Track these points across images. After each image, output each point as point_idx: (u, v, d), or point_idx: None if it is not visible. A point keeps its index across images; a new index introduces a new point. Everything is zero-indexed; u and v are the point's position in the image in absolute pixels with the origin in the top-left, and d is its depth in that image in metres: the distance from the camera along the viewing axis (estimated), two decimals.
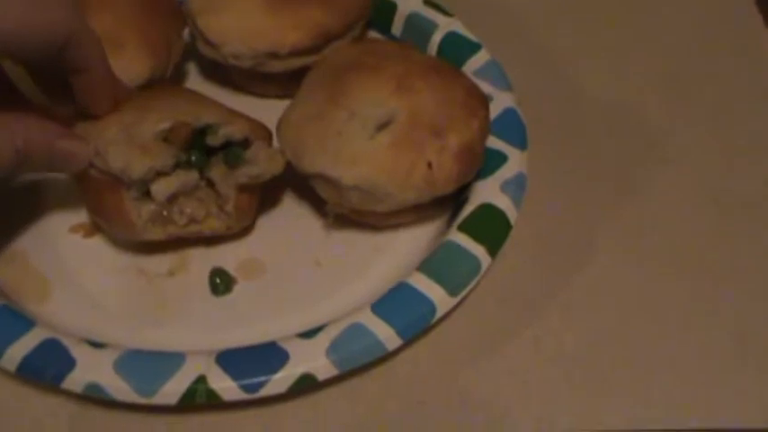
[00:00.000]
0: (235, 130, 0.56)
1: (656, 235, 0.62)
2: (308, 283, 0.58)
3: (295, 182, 0.60)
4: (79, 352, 0.51)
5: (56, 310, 0.56)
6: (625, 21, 0.78)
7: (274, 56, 0.64)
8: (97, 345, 0.52)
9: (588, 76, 0.72)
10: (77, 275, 0.58)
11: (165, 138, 0.55)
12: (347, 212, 0.58)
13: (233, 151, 0.56)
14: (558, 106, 0.70)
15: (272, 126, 0.60)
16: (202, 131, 0.56)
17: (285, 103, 0.62)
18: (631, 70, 0.73)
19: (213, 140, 0.56)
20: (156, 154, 0.54)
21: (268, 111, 0.62)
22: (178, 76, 0.70)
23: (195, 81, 0.72)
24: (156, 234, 0.57)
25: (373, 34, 0.73)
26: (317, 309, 0.56)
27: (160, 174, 0.55)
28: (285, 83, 0.67)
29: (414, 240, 0.60)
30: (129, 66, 0.62)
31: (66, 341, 0.51)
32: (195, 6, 0.66)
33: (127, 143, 0.54)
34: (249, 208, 0.58)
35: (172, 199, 0.56)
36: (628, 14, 0.79)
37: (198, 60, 0.72)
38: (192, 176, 0.56)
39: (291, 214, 0.62)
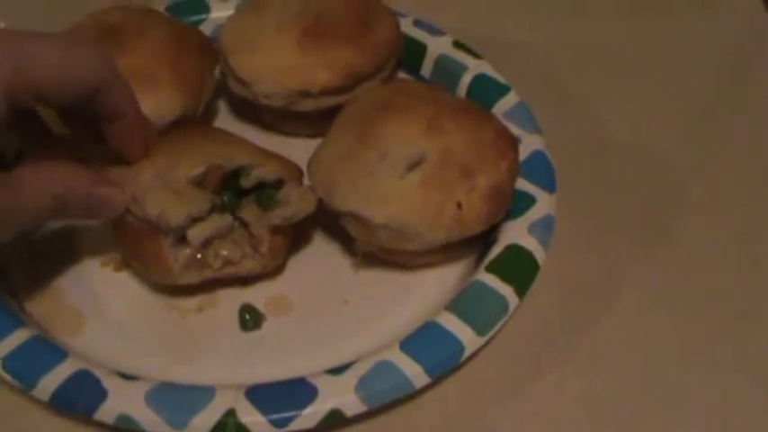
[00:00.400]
0: (267, 172, 0.57)
1: (684, 278, 0.62)
2: (335, 320, 0.59)
3: (324, 219, 0.61)
4: (111, 383, 0.51)
5: (88, 342, 0.57)
6: (652, 65, 0.79)
7: (305, 95, 0.65)
8: (128, 377, 0.52)
9: (615, 119, 0.73)
10: (109, 309, 0.59)
11: (199, 182, 0.56)
12: (376, 251, 0.59)
13: (266, 193, 0.57)
14: (585, 149, 0.70)
15: (302, 165, 0.61)
16: (235, 173, 0.56)
17: (316, 142, 0.63)
18: (658, 114, 0.74)
19: (246, 182, 0.56)
20: (192, 200, 0.55)
21: (298, 149, 0.63)
22: (209, 114, 0.71)
23: (225, 119, 0.73)
24: (192, 278, 0.57)
25: (403, 75, 0.74)
26: (345, 346, 0.56)
27: (195, 219, 0.56)
28: (316, 122, 0.68)
29: (442, 280, 0.60)
30: (162, 102, 0.63)
31: (98, 372, 0.52)
32: (227, 44, 0.68)
33: (162, 189, 0.55)
34: (282, 248, 0.59)
35: (207, 243, 0.57)
36: (655, 59, 0.79)
37: (228, 98, 0.73)
38: (226, 219, 0.57)
39: (320, 252, 0.62)
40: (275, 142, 0.69)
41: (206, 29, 0.75)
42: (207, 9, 0.77)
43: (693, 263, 0.63)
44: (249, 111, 0.71)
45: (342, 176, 0.57)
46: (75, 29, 0.67)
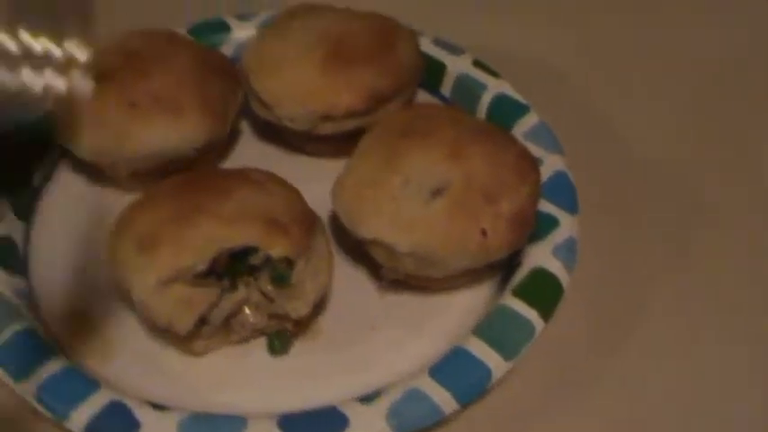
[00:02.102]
0: (276, 251, 0.55)
1: (710, 298, 0.62)
2: (363, 346, 0.59)
3: (349, 245, 0.61)
4: (143, 414, 0.52)
5: (119, 371, 0.58)
6: (673, 83, 0.79)
7: (328, 118, 0.66)
8: (160, 407, 0.53)
9: (637, 138, 0.74)
10: (139, 337, 0.60)
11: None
12: (402, 277, 0.59)
13: (278, 272, 0.56)
14: (607, 169, 0.71)
15: (322, 185, 0.61)
16: (244, 251, 0.55)
17: (337, 162, 0.63)
18: (680, 133, 0.75)
19: (255, 260, 0.56)
20: (198, 303, 0.55)
21: (319, 170, 0.65)
22: (232, 136, 0.71)
23: (248, 140, 0.73)
24: (220, 345, 0.58)
25: (423, 94, 0.74)
26: (373, 371, 0.57)
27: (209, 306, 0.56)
28: (337, 143, 0.68)
29: (466, 303, 0.61)
30: (189, 129, 0.64)
31: (130, 403, 0.52)
32: (250, 67, 0.68)
33: (167, 297, 0.54)
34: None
35: (228, 317, 0.57)
36: (676, 77, 0.80)
37: (250, 118, 0.73)
38: (240, 294, 0.57)
39: (346, 277, 0.62)
40: (297, 163, 0.70)
41: (227, 50, 0.75)
42: (228, 30, 0.77)
43: (719, 282, 0.63)
44: (271, 131, 0.72)
45: (366, 203, 0.58)
46: (97, 52, 0.67)
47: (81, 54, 0.46)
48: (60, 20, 0.46)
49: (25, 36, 0.45)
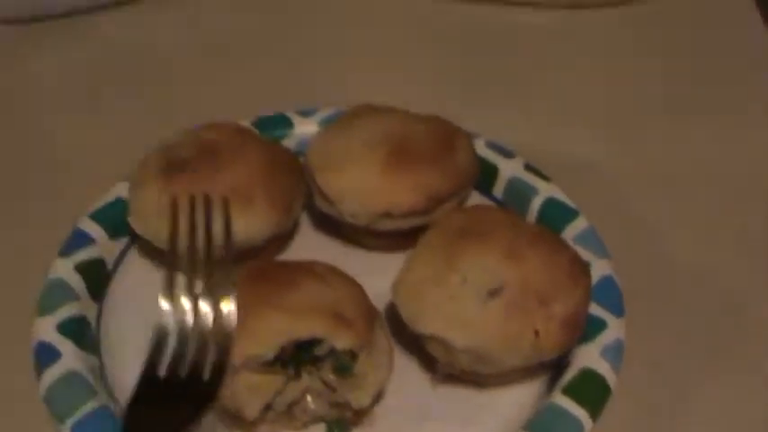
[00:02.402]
0: (341, 343, 0.58)
1: (754, 402, 0.65)
2: None
3: (404, 337, 0.65)
4: None
5: None
6: (719, 191, 0.82)
7: (388, 215, 0.69)
8: None
9: (680, 242, 0.77)
10: (204, 420, 0.61)
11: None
12: (456, 372, 0.62)
13: (341, 363, 0.59)
14: (651, 272, 0.74)
15: (378, 279, 0.64)
16: (309, 342, 0.58)
17: (393, 256, 0.67)
18: (722, 237, 0.77)
19: (319, 351, 0.59)
20: (266, 390, 0.58)
21: (376, 263, 0.68)
22: (293, 227, 0.75)
23: (307, 231, 0.77)
24: (282, 430, 0.61)
25: (475, 195, 0.77)
26: None
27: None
28: (393, 239, 0.71)
29: (516, 399, 0.63)
30: (258, 220, 0.67)
31: None
32: (315, 163, 0.72)
33: (236, 383, 0.57)
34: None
35: (291, 404, 0.60)
36: (724, 184, 0.83)
37: (310, 210, 0.76)
38: (304, 382, 0.59)
39: (400, 368, 0.64)
40: (354, 256, 0.73)
41: (289, 143, 0.79)
42: (291, 125, 0.81)
43: (764, 385, 0.65)
44: (329, 223, 0.75)
45: (426, 300, 0.61)
46: (173, 144, 0.72)
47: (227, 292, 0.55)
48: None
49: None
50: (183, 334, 0.54)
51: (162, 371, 0.52)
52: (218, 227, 0.59)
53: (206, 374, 0.52)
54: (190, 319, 0.55)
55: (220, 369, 0.52)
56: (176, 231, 0.59)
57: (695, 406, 0.64)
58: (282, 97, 0.90)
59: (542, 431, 0.58)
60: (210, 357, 0.53)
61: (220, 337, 0.53)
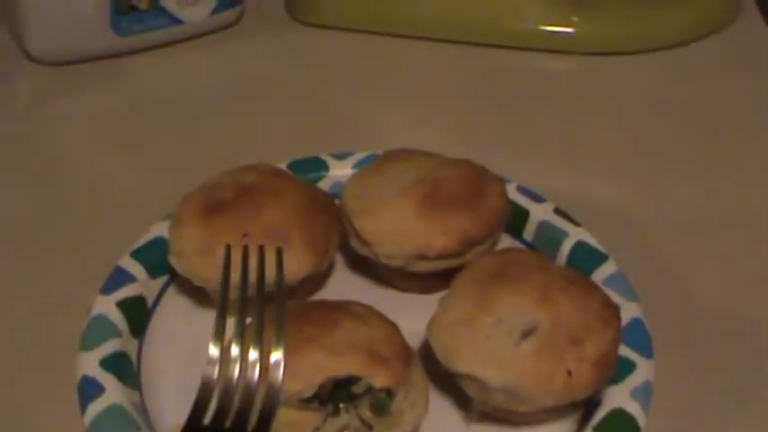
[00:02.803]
0: (378, 382, 0.59)
1: None
2: None
3: (438, 376, 0.66)
4: None
5: None
6: (742, 233, 0.84)
7: (422, 257, 0.71)
8: None
9: (707, 286, 0.78)
10: None
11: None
12: (490, 410, 0.64)
13: (379, 401, 0.60)
14: (679, 315, 0.75)
15: (411, 319, 0.66)
16: (347, 380, 0.60)
17: (425, 297, 0.69)
18: (750, 281, 0.78)
19: (357, 389, 0.60)
20: (305, 426, 0.59)
21: (408, 304, 0.70)
22: (328, 269, 0.77)
23: (341, 272, 0.78)
24: None
25: (506, 238, 0.79)
26: None
27: None
28: (426, 280, 0.73)
29: None
30: (295, 261, 0.69)
31: None
32: (351, 206, 0.73)
33: (277, 419, 0.57)
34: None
35: None
36: (747, 227, 0.84)
37: (344, 251, 0.78)
38: (342, 419, 0.60)
39: (435, 406, 0.65)
40: (388, 297, 0.74)
41: (324, 186, 0.81)
42: (326, 168, 0.83)
43: None
44: (362, 264, 0.77)
45: (461, 340, 0.62)
46: (212, 185, 0.74)
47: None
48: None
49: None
50: (229, 384, 0.56)
51: (207, 419, 0.54)
52: (270, 272, 0.61)
53: (251, 426, 0.53)
54: (237, 368, 0.57)
55: (267, 420, 0.54)
56: (228, 276, 0.61)
57: None
58: (317, 141, 0.92)
59: None
60: (256, 407, 0.54)
61: (268, 388, 0.55)
